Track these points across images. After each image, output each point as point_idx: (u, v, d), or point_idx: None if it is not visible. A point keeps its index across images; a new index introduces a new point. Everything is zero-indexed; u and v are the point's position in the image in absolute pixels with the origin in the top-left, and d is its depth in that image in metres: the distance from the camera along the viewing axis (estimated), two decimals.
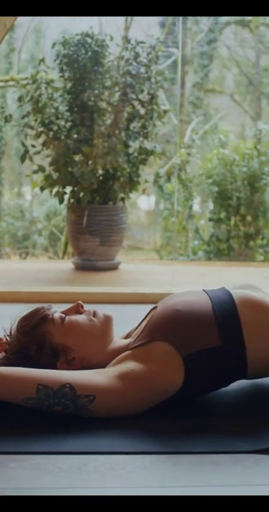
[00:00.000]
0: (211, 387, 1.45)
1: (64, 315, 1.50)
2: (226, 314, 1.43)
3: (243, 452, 1.21)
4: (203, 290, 1.55)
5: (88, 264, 4.05)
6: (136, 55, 4.10)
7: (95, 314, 1.52)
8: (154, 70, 4.15)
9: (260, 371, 1.46)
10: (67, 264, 4.33)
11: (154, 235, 8.68)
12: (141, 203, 8.58)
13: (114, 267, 4.16)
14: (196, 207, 7.05)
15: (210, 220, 5.78)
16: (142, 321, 1.59)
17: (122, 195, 4.25)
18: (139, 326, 1.60)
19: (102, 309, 1.56)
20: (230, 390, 1.51)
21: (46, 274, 3.98)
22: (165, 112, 4.28)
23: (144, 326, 1.50)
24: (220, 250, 5.71)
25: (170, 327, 1.41)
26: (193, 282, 3.71)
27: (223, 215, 5.64)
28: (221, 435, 1.28)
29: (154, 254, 7.86)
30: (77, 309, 1.52)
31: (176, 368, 1.37)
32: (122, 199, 4.28)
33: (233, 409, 1.42)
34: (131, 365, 1.36)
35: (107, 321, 1.51)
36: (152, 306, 1.59)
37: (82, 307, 1.53)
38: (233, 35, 9.20)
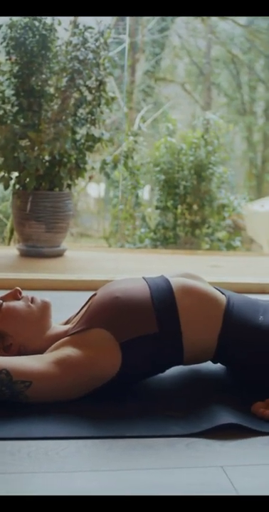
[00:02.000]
0: (148, 373, 1.47)
1: (1, 301, 1.49)
2: (164, 302, 1.45)
3: (176, 436, 1.24)
4: (143, 278, 1.57)
5: (33, 251, 4.02)
6: (85, 41, 4.06)
7: (32, 300, 1.51)
8: (103, 57, 4.13)
9: (196, 357, 1.49)
10: (13, 251, 4.28)
11: (103, 223, 8.67)
12: (91, 190, 8.54)
13: (59, 254, 4.14)
14: (146, 195, 7.07)
15: (157, 208, 5.82)
16: (82, 307, 1.60)
17: (68, 181, 4.22)
18: (78, 312, 1.60)
19: (46, 296, 1.56)
20: (167, 376, 1.54)
21: None
22: (113, 98, 4.25)
23: (83, 312, 1.51)
24: (167, 238, 5.76)
25: (108, 314, 1.42)
26: (138, 270, 3.73)
27: (169, 203, 5.68)
28: (155, 419, 1.30)
29: (103, 241, 7.85)
30: (15, 295, 1.51)
31: (113, 354, 1.38)
32: (69, 186, 4.25)
33: (168, 394, 1.44)
34: (68, 351, 1.37)
35: (45, 307, 1.51)
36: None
37: (20, 293, 1.52)
38: (185, 24, 9.24)
